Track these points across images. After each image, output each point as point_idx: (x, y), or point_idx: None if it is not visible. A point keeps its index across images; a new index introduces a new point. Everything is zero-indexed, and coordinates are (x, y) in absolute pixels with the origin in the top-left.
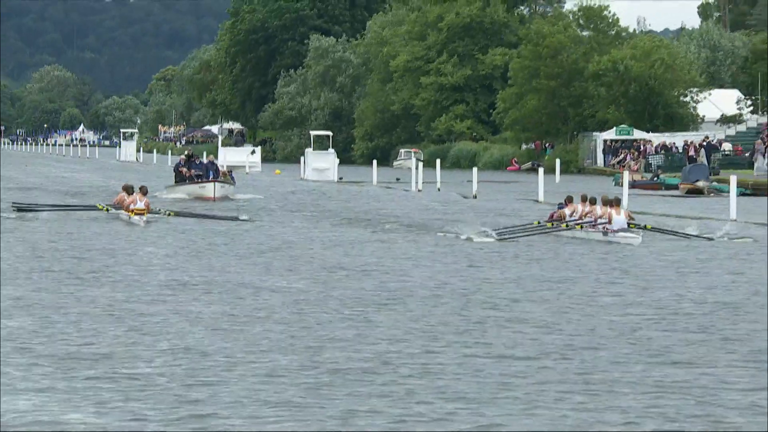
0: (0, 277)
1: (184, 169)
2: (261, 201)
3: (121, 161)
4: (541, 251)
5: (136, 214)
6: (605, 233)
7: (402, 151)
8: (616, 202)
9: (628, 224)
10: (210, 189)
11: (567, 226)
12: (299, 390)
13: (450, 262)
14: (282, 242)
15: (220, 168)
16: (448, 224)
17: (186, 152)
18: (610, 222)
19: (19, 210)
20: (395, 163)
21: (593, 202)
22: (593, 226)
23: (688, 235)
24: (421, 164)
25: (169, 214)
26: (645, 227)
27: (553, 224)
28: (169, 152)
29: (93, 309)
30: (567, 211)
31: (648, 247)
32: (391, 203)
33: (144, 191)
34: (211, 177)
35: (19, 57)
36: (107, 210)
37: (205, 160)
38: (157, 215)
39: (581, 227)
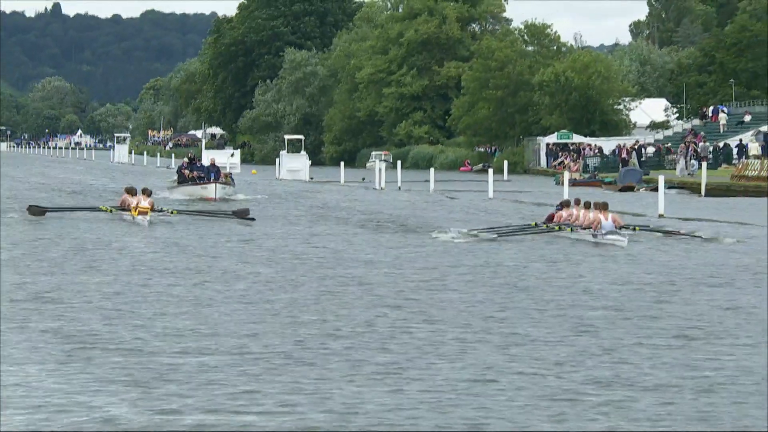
0: (0, 269)
1: (187, 171)
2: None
3: (114, 162)
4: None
5: (139, 213)
6: (594, 235)
7: (374, 153)
8: (604, 207)
9: (621, 227)
10: (211, 190)
11: (559, 228)
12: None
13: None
14: (264, 235)
15: (221, 170)
16: (440, 224)
17: (188, 155)
18: (596, 226)
19: (33, 213)
20: (368, 164)
21: (587, 206)
22: (583, 228)
23: (679, 234)
24: (384, 165)
25: (172, 212)
26: (634, 229)
27: (547, 225)
28: (158, 154)
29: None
30: (564, 214)
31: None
32: (357, 200)
33: (147, 193)
34: (212, 178)
35: (22, 69)
36: (111, 211)
37: (207, 163)
38: (160, 213)
39: (571, 230)
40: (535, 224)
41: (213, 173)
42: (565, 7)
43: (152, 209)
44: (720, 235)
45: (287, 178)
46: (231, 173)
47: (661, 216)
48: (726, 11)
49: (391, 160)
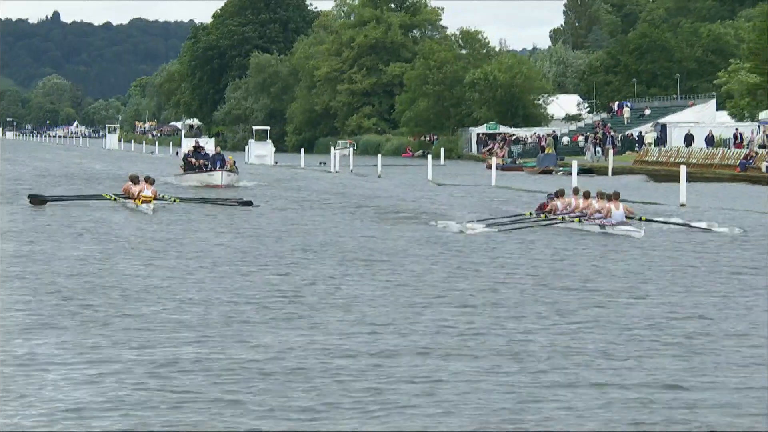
0: (0, 263)
1: (193, 160)
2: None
3: (106, 149)
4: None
5: (143, 201)
6: (602, 226)
7: (339, 142)
8: (615, 196)
9: (627, 217)
10: (218, 177)
11: (563, 219)
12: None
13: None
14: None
15: (226, 159)
16: (437, 215)
17: (193, 144)
18: (607, 215)
19: (32, 202)
20: (333, 152)
21: (587, 195)
22: (592, 219)
23: (686, 225)
24: (348, 151)
25: (174, 200)
26: (640, 219)
27: (546, 217)
28: (143, 142)
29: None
30: (559, 204)
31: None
32: (317, 181)
33: (150, 181)
34: (218, 167)
35: (27, 69)
36: (115, 200)
37: (213, 152)
38: (164, 201)
39: (579, 220)
40: (530, 214)
41: (218, 161)
42: (493, 17)
43: (155, 197)
44: (730, 226)
45: (255, 162)
46: (235, 161)
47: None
48: (629, 20)
49: (356, 148)
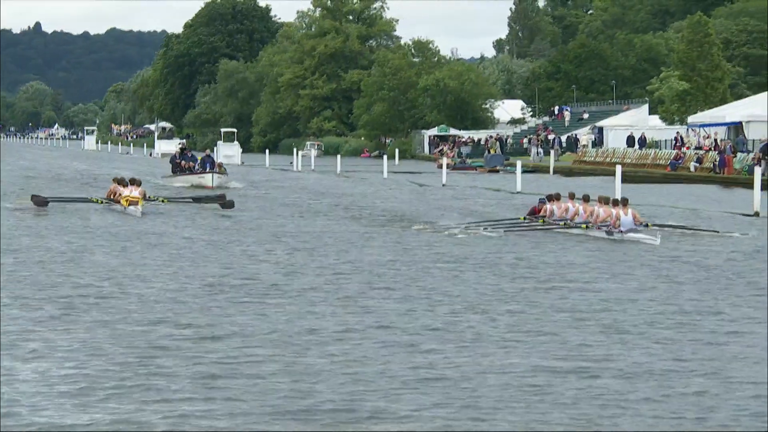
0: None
1: (183, 162)
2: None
3: (84, 150)
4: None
5: (130, 203)
6: (610, 233)
7: (307, 143)
8: (623, 202)
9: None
10: (208, 179)
11: (566, 224)
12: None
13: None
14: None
15: (215, 161)
16: (428, 217)
17: (179, 146)
18: (615, 222)
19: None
20: (302, 153)
21: (586, 199)
22: (598, 226)
23: (696, 230)
24: (302, 153)
25: (162, 201)
26: (647, 225)
27: (544, 221)
28: (119, 144)
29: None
30: (555, 208)
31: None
32: (283, 180)
33: (137, 183)
34: (208, 168)
35: (12, 76)
36: (102, 203)
37: (202, 154)
38: (152, 202)
39: (586, 226)
40: (523, 218)
41: (208, 163)
42: (443, 28)
43: (144, 199)
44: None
45: (223, 162)
46: (222, 164)
47: (519, 192)
48: (569, 31)
49: (322, 149)
